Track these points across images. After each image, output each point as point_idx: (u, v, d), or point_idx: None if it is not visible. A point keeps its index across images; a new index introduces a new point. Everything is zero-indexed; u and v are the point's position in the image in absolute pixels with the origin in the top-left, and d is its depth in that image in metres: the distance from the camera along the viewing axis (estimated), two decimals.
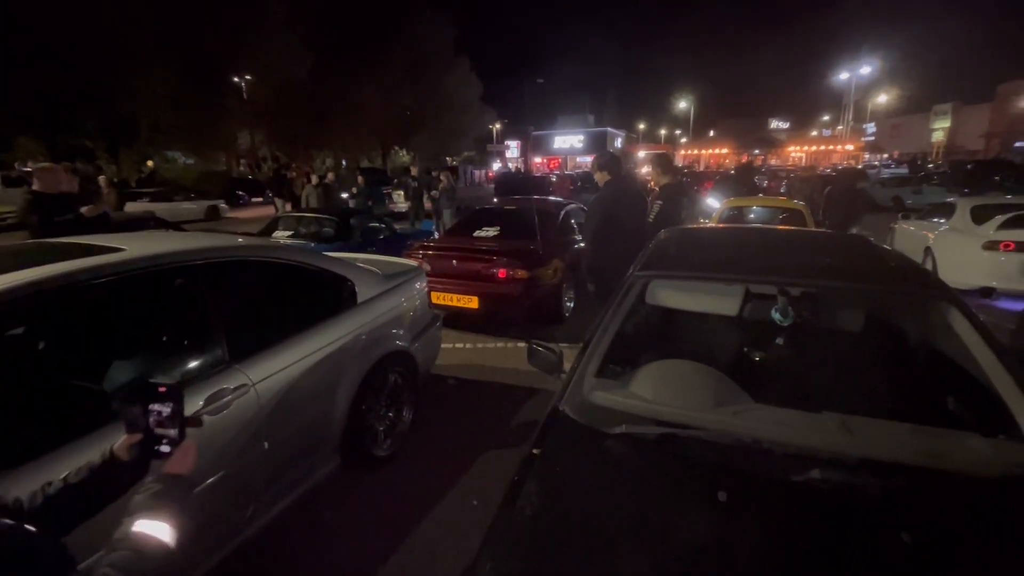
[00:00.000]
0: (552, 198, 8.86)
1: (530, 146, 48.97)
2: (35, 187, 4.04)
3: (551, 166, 42.06)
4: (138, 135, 22.56)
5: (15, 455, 1.40)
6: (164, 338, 2.01)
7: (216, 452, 1.87)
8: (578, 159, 45.26)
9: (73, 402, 1.69)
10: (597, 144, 44.25)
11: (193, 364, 1.94)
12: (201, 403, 1.83)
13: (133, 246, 1.99)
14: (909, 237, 7.57)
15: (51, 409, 1.62)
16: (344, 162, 33.04)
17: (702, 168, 38.75)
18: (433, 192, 11.38)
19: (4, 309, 1.53)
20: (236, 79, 26.42)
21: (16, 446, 1.44)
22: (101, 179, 9.80)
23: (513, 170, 28.18)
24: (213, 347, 2.00)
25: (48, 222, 3.80)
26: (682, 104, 58.07)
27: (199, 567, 1.85)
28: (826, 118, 58.62)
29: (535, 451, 1.48)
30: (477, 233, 5.73)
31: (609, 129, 50.56)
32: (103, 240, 2.08)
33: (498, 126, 47.47)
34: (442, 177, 11.32)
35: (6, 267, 1.64)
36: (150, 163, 25.52)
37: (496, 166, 32.32)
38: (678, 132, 64.63)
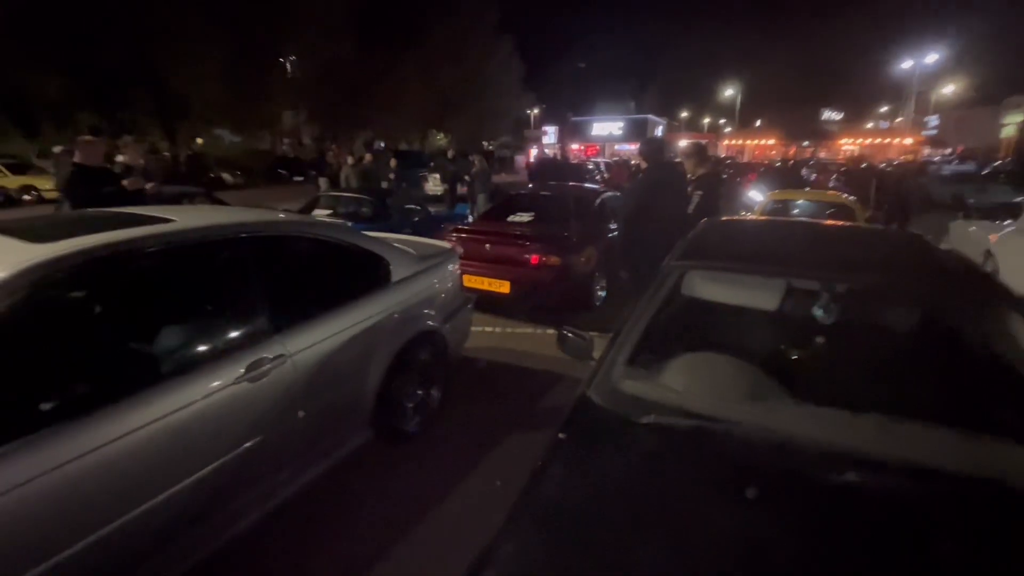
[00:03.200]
0: (588, 185, 8.71)
1: (568, 132, 48.18)
2: (77, 159, 4.13)
3: (588, 153, 41.29)
4: (190, 113, 23.37)
5: (74, 409, 1.51)
6: (209, 307, 2.11)
7: (254, 417, 1.95)
8: (616, 147, 44.31)
9: (127, 362, 1.79)
10: (637, 132, 43.09)
11: (236, 333, 2.03)
12: (242, 370, 1.91)
13: (182, 218, 2.08)
14: (968, 238, 7.10)
15: (106, 368, 1.73)
16: (383, 144, 33.36)
17: (746, 159, 37.23)
18: (466, 176, 11.39)
19: (65, 273, 1.63)
20: (281, 59, 26.95)
21: (75, 401, 1.54)
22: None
23: (551, 156, 27.66)
24: (254, 317, 2.08)
25: (92, 193, 3.89)
26: (728, 92, 55.87)
27: (235, 525, 1.95)
28: (884, 109, 55.29)
29: (561, 435, 1.49)
30: (511, 218, 5.72)
31: (650, 117, 49.10)
32: (153, 211, 2.18)
33: (536, 111, 46.75)
34: (475, 160, 11.31)
35: (66, 234, 1.74)
36: (200, 140, 26.47)
37: (534, 151, 31.83)
38: (723, 121, 62.33)
